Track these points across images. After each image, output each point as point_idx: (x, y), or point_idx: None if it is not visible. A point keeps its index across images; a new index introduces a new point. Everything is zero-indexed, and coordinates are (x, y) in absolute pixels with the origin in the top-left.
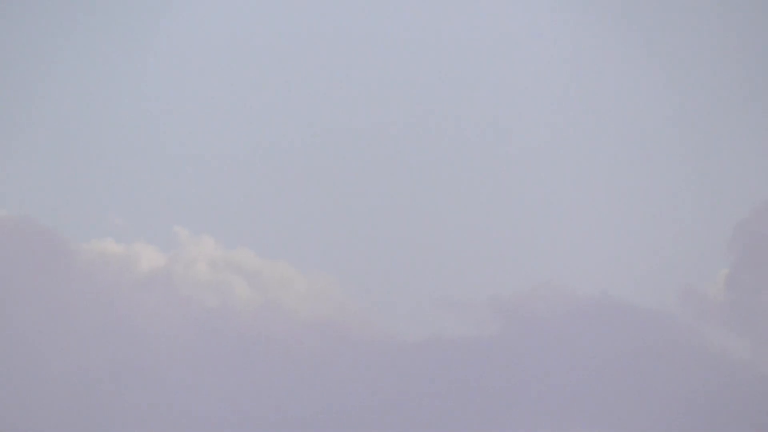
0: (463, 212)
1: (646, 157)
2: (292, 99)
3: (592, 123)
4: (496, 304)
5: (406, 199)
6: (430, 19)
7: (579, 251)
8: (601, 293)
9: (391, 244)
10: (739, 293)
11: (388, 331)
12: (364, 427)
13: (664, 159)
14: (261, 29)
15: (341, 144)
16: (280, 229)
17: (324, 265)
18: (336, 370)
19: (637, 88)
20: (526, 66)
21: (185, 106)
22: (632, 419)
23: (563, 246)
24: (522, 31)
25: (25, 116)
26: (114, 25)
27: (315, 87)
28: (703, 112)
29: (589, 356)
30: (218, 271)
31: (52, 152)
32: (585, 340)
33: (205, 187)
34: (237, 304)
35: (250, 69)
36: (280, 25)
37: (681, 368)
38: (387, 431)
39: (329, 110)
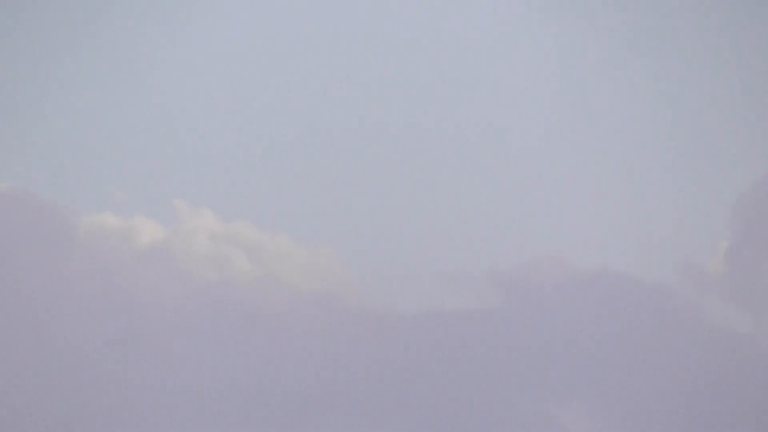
0: (462, 185)
1: (646, 131)
2: (292, 75)
3: (593, 99)
4: (495, 277)
5: (406, 172)
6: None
7: (579, 224)
8: (601, 266)
9: (391, 217)
10: (740, 266)
11: (387, 304)
12: (363, 400)
13: (664, 132)
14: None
15: (341, 117)
16: (280, 203)
17: (324, 238)
18: (335, 343)
19: (636, 65)
20: (530, 43)
21: (186, 79)
22: (632, 393)
23: (563, 219)
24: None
25: (25, 90)
26: (114, 4)
27: (315, 67)
28: (703, 86)
29: (589, 329)
30: (218, 245)
31: (52, 125)
32: (585, 313)
33: (204, 160)
34: (237, 278)
35: (250, 49)
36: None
37: (681, 342)
38: (386, 405)
39: (329, 86)
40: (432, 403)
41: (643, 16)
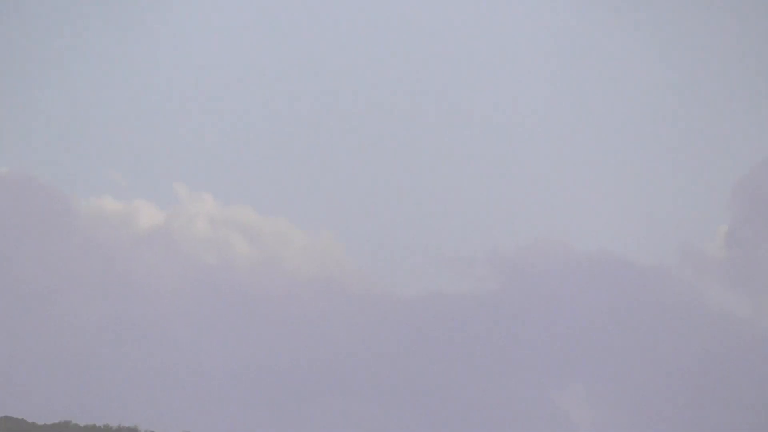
0: (463, 169)
1: (645, 116)
2: (292, 58)
3: (594, 85)
4: (495, 260)
5: (407, 157)
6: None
7: (579, 208)
8: (600, 249)
9: (391, 201)
10: (738, 249)
11: (387, 287)
12: (364, 381)
13: (663, 118)
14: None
15: (342, 103)
16: (280, 186)
17: (324, 222)
18: (335, 326)
19: (638, 52)
20: (532, 28)
21: (185, 64)
22: (632, 375)
23: (563, 203)
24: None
25: (27, 76)
26: None
27: (315, 48)
28: (702, 72)
29: (589, 312)
30: (217, 228)
31: (51, 110)
32: (585, 296)
33: (204, 144)
34: (236, 261)
35: (249, 35)
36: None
37: (680, 324)
38: (386, 387)
39: (329, 70)
40: (433, 385)
41: (647, 6)
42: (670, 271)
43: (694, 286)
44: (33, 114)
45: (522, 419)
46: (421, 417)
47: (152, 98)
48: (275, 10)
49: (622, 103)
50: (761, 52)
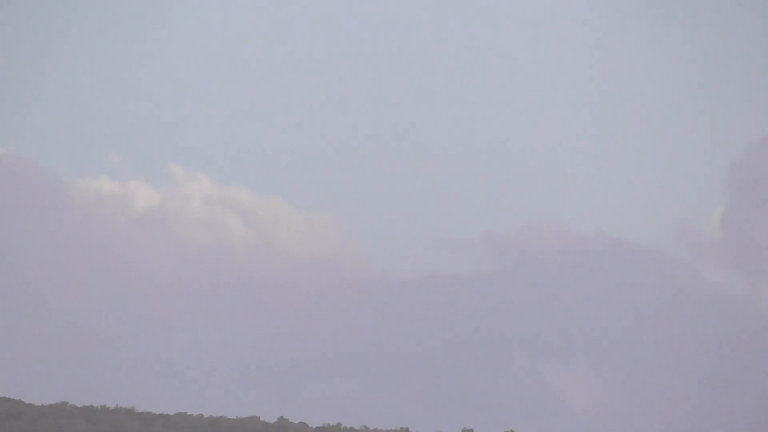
0: (459, 151)
1: (642, 96)
2: (287, 38)
3: (589, 65)
4: (491, 242)
5: (402, 136)
6: None
7: (574, 189)
8: (596, 230)
9: (389, 182)
10: (734, 230)
11: (385, 268)
12: (360, 363)
13: (660, 98)
14: None
15: (336, 81)
16: (276, 167)
17: (319, 202)
18: (332, 307)
19: (634, 33)
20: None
21: (182, 45)
22: (627, 354)
23: (559, 184)
24: None
25: (25, 59)
26: None
27: (308, 27)
28: (699, 54)
29: (584, 292)
30: (213, 209)
31: (46, 91)
32: (580, 276)
33: (199, 124)
34: (232, 242)
35: (243, 12)
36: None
37: (676, 303)
38: (384, 368)
39: (324, 51)
40: (429, 365)
41: None
42: (666, 251)
43: (691, 266)
44: (28, 96)
45: (518, 399)
46: (418, 396)
47: (147, 80)
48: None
49: (618, 85)
50: (755, 34)
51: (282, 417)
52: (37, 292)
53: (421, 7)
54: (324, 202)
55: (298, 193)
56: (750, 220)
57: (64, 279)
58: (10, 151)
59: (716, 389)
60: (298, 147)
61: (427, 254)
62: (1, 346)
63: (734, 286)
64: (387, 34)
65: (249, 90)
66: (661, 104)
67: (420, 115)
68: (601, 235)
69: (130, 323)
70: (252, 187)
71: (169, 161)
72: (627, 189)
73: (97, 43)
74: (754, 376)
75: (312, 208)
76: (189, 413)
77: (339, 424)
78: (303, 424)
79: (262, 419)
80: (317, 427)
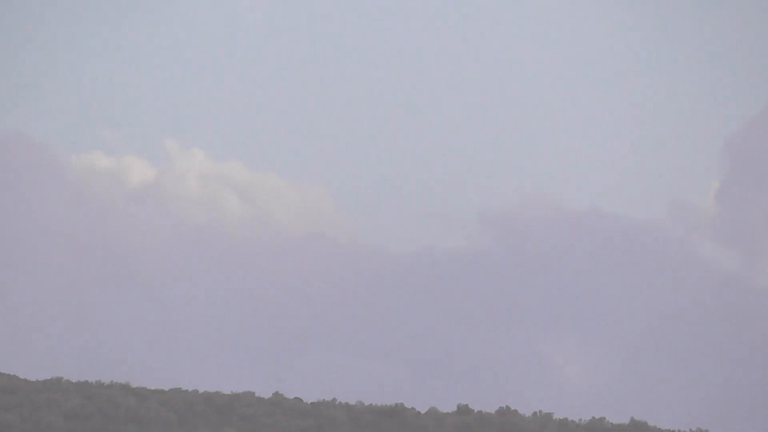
0: (454, 126)
1: (636, 71)
2: (283, 13)
3: (587, 45)
4: (486, 217)
5: (398, 112)
6: None
7: (569, 164)
8: (591, 204)
9: (383, 157)
10: (729, 206)
11: (379, 242)
12: (354, 337)
13: (654, 73)
14: None
15: (332, 57)
16: (271, 142)
17: (315, 178)
18: (327, 282)
19: (631, 10)
20: None
21: (177, 21)
22: (622, 328)
23: (553, 159)
24: None
25: (17, 34)
26: None
27: (306, 3)
28: (693, 32)
29: (579, 267)
30: (209, 185)
31: (43, 67)
32: (574, 251)
33: (195, 100)
34: (228, 217)
35: None
36: None
37: (670, 278)
38: (378, 342)
39: (320, 26)
40: (423, 340)
41: None
42: (660, 226)
43: (685, 241)
44: (23, 71)
45: (514, 373)
46: (412, 370)
47: (142, 54)
48: None
49: (613, 59)
50: (751, 11)
51: (277, 392)
52: (32, 267)
53: None
54: (318, 176)
55: (293, 168)
56: (745, 195)
57: (59, 254)
58: (5, 126)
59: (710, 364)
60: (293, 123)
61: (420, 229)
62: None
63: (728, 261)
64: (377, 13)
65: (243, 66)
66: (657, 79)
67: (415, 90)
68: (596, 210)
69: (125, 298)
70: (247, 162)
71: (165, 137)
72: (621, 164)
73: (92, 20)
74: (747, 350)
75: (306, 182)
76: (184, 388)
77: (334, 400)
78: (298, 399)
79: (257, 394)
80: (312, 403)
